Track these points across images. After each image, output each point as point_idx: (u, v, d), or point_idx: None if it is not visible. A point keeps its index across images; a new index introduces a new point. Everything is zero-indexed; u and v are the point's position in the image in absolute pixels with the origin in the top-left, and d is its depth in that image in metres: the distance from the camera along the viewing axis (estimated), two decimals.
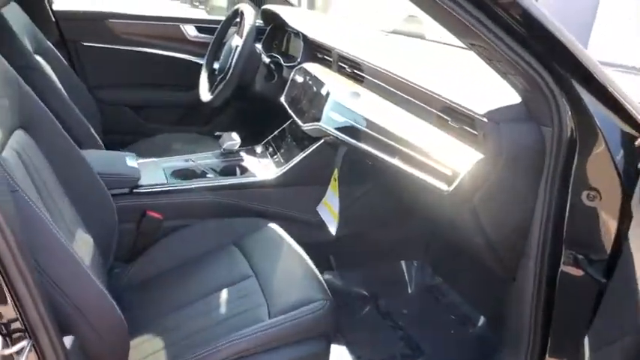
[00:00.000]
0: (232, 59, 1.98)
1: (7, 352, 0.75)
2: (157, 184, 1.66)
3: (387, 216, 1.91)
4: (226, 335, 1.13)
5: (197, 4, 8.15)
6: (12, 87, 1.11)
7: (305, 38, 1.98)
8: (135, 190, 1.60)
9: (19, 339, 0.77)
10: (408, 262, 2.00)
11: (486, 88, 1.18)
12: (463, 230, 1.23)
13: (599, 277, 0.92)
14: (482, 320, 1.75)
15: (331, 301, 1.23)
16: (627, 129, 0.89)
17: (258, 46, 2.21)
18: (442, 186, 1.10)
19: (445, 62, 1.70)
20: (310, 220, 1.79)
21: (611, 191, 0.90)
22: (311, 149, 1.77)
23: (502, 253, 1.12)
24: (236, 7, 2.18)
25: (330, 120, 1.50)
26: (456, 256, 1.78)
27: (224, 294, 1.29)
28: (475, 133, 1.07)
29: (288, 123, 1.98)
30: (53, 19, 2.39)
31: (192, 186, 1.69)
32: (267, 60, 2.11)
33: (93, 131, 1.87)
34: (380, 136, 1.29)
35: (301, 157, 1.78)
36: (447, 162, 1.11)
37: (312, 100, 1.67)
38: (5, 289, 0.74)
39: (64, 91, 1.84)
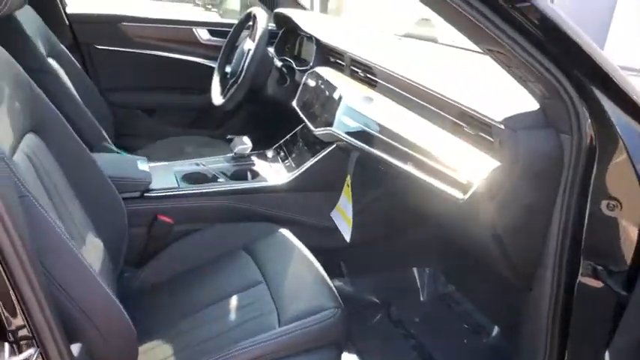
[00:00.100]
0: (244, 63, 1.98)
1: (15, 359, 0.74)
2: (168, 188, 1.65)
3: (399, 222, 1.89)
4: (237, 343, 1.12)
5: (210, 7, 8.22)
6: (24, 90, 1.11)
7: (317, 42, 1.97)
8: (146, 194, 1.60)
9: (26, 346, 0.76)
10: (420, 270, 1.98)
11: (502, 93, 1.16)
12: (477, 239, 1.20)
13: (618, 290, 0.89)
14: (496, 330, 1.72)
15: (342, 309, 1.22)
16: None
17: (271, 49, 2.21)
18: (457, 194, 1.07)
19: (459, 66, 1.67)
20: (321, 226, 1.77)
21: (632, 201, 0.87)
22: (322, 154, 1.75)
23: (518, 262, 1.10)
24: (249, 10, 2.18)
25: (343, 125, 1.49)
26: (469, 264, 1.75)
27: (234, 300, 1.28)
28: (491, 140, 1.05)
29: (299, 127, 1.97)
30: (67, 22, 2.40)
31: (203, 190, 1.68)
32: (279, 64, 2.10)
33: (105, 134, 1.88)
34: (393, 142, 1.27)
35: (313, 162, 1.76)
36: (461, 169, 1.08)
37: (324, 104, 1.65)
38: (12, 295, 0.73)
39: (76, 94, 1.85)
